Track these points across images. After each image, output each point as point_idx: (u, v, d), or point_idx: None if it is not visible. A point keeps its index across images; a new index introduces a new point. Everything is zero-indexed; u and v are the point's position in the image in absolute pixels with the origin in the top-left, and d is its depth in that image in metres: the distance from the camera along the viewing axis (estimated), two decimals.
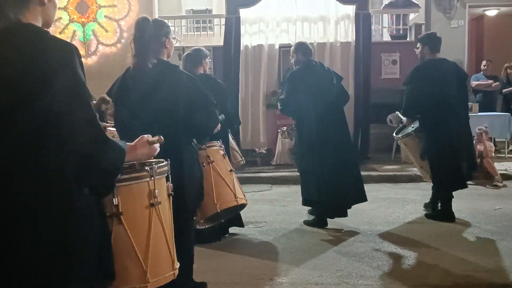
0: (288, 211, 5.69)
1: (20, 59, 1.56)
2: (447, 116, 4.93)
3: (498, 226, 4.84)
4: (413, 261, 3.90)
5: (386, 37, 10.47)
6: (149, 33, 2.77)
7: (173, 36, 2.97)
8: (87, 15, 10.99)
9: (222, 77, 8.36)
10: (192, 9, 12.87)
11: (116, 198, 1.99)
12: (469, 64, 10.77)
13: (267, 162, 8.84)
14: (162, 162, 2.21)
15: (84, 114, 1.64)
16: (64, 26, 11.03)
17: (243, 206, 3.92)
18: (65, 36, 11.03)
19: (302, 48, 5.15)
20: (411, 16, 10.20)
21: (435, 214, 5.17)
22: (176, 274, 2.22)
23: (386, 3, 10.22)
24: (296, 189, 6.69)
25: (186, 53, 4.59)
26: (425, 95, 4.96)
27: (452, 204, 5.03)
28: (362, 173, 7.71)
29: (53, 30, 11.02)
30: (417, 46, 5.38)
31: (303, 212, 5.32)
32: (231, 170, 3.77)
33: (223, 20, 9.80)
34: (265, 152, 9.07)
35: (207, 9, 12.70)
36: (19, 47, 1.58)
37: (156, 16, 10.95)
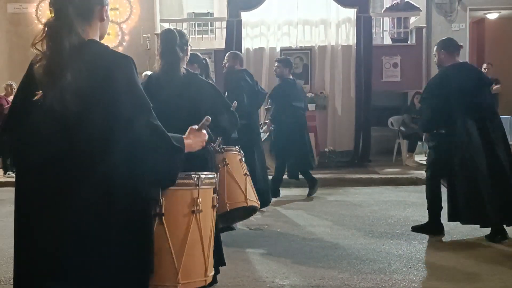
0: (289, 214, 5.70)
1: (90, 71, 1.77)
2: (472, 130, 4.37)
3: None
4: (415, 263, 3.90)
5: (387, 40, 10.48)
6: (177, 44, 2.97)
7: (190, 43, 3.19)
8: None
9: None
10: (193, 12, 12.89)
11: (161, 199, 2.14)
12: None
13: None
14: (212, 174, 2.40)
15: (144, 118, 1.83)
16: None
17: (254, 208, 3.96)
18: None
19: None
20: (412, 19, 10.21)
21: (422, 226, 4.76)
22: (207, 281, 2.36)
23: (387, 6, 10.25)
24: (298, 192, 6.72)
25: None
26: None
27: None
28: (363, 175, 7.84)
29: None
30: (434, 54, 5.05)
31: (304, 216, 5.32)
32: (245, 174, 3.84)
33: (224, 23, 9.83)
34: None
35: (208, 12, 12.71)
36: (88, 61, 1.79)
37: (158, 20, 10.98)
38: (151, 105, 1.89)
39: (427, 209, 4.70)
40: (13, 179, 7.34)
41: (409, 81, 9.60)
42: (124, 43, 10.97)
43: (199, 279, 2.30)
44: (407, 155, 8.91)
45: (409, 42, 9.95)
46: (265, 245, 4.51)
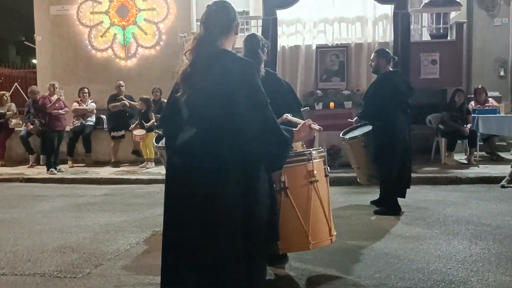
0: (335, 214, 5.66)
1: (220, 75, 2.26)
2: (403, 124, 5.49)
3: None
4: (454, 264, 3.82)
5: (426, 37, 10.26)
6: (260, 47, 3.62)
7: None
8: (127, 18, 11.25)
9: None
10: None
11: (283, 176, 2.61)
12: None
13: None
14: (320, 149, 2.89)
15: (261, 114, 2.26)
16: (105, 30, 11.34)
17: None
18: (106, 40, 11.35)
19: None
20: (452, 14, 9.96)
21: (383, 210, 5.54)
22: (333, 240, 2.89)
23: (426, 1, 10.02)
24: (335, 190, 6.67)
25: None
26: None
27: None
28: None
29: (94, 34, 11.40)
30: (371, 59, 5.79)
31: (340, 214, 5.27)
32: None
33: (260, 22, 9.84)
34: None
35: (244, 11, 12.77)
36: (220, 67, 2.28)
37: (194, 19, 11.12)
38: (269, 100, 2.32)
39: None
40: (56, 176, 7.60)
41: (449, 78, 9.38)
42: (161, 43, 11.15)
43: (326, 238, 2.80)
44: (446, 154, 8.71)
45: (448, 38, 9.71)
46: None
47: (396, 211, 5.48)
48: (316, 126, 2.64)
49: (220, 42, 2.40)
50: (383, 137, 5.36)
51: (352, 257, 4.05)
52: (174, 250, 2.41)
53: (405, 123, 5.55)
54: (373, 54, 5.83)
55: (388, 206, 5.54)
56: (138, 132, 9.24)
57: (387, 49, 6.15)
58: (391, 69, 5.65)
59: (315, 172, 2.70)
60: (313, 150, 2.81)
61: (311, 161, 2.72)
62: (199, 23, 9.62)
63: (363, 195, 6.63)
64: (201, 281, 2.30)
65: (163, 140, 5.72)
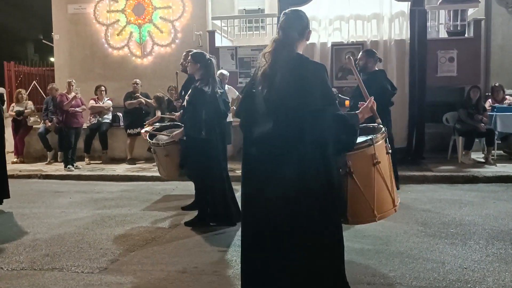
0: None
1: (293, 75, 2.61)
2: None
3: None
4: (470, 264, 3.79)
5: (443, 34, 10.15)
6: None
7: None
8: (143, 16, 11.33)
9: None
10: (244, 9, 12.99)
11: (349, 162, 2.92)
12: None
13: None
14: (382, 129, 3.12)
15: (331, 109, 2.65)
16: (121, 28, 11.43)
17: None
18: (122, 38, 11.44)
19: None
20: (470, 11, 9.84)
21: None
22: (397, 209, 3.16)
23: None
24: None
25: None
26: None
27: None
28: (416, 173, 7.65)
29: (111, 32, 11.50)
30: (359, 59, 5.89)
31: None
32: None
33: (275, 19, 9.85)
34: None
35: (259, 8, 12.78)
36: (293, 68, 2.64)
37: (210, 17, 11.15)
38: (337, 99, 2.76)
39: None
40: (73, 173, 7.67)
41: (466, 76, 9.27)
42: (177, 41, 11.21)
43: (390, 209, 3.11)
44: (463, 153, 8.62)
45: (466, 35, 9.59)
46: None
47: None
48: (372, 103, 3.01)
49: (295, 46, 2.74)
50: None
51: (366, 256, 4.04)
52: (257, 239, 2.68)
53: (390, 121, 5.79)
54: (361, 53, 6.04)
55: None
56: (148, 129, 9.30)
57: (374, 50, 6.53)
58: (377, 69, 5.91)
59: (377, 154, 2.99)
60: (373, 136, 3.04)
61: (372, 145, 2.99)
62: (213, 21, 9.57)
63: None
64: (293, 266, 2.61)
65: (158, 136, 5.84)
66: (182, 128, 5.36)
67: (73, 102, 9.21)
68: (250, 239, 2.74)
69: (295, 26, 2.75)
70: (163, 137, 5.80)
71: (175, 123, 6.07)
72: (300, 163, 2.59)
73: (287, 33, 2.73)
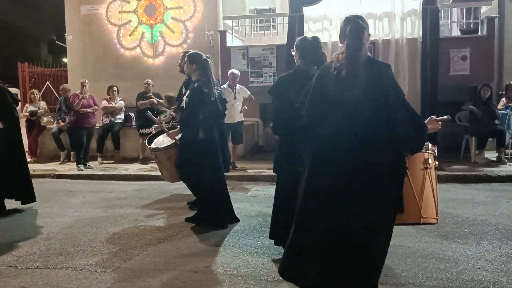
0: None
1: (378, 78, 2.89)
2: None
3: None
4: (484, 264, 3.76)
5: (456, 32, 10.07)
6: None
7: None
8: (155, 17, 11.40)
9: None
10: (255, 9, 13.00)
11: (406, 160, 3.06)
12: None
13: None
14: (433, 146, 3.48)
15: (405, 105, 2.92)
16: (133, 29, 11.52)
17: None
18: (134, 38, 11.52)
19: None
20: (483, 9, 9.75)
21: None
22: (438, 221, 3.47)
23: None
24: None
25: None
26: None
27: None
28: None
29: (123, 33, 11.57)
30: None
31: None
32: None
33: (286, 19, 9.84)
34: None
35: (270, 8, 12.78)
36: (376, 70, 2.92)
37: (221, 17, 11.17)
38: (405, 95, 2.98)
39: None
40: (86, 173, 7.72)
41: (479, 75, 9.19)
42: (188, 41, 11.26)
43: (433, 217, 3.34)
44: (477, 152, 8.55)
45: (479, 33, 9.51)
46: None
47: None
48: (444, 117, 3.31)
49: (365, 48, 3.01)
50: None
51: None
52: (320, 227, 2.95)
53: None
54: None
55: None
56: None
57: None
58: None
59: (429, 160, 3.26)
60: (428, 144, 3.34)
61: (427, 151, 3.28)
62: (224, 21, 9.67)
63: None
64: (356, 248, 2.90)
65: (156, 141, 5.66)
66: (178, 128, 5.33)
67: (83, 102, 9.29)
68: (312, 226, 3.01)
69: (364, 31, 3.03)
70: (161, 140, 5.69)
71: (173, 125, 6.04)
72: (375, 155, 2.86)
73: (359, 37, 3.01)
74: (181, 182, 5.63)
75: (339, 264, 2.93)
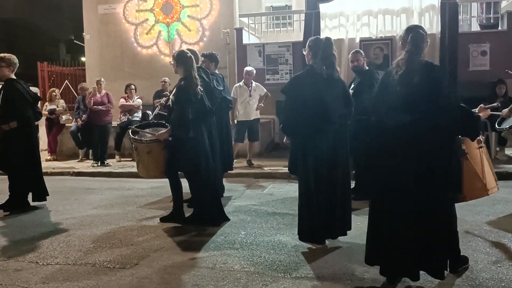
0: None
1: (433, 80, 3.28)
2: None
3: None
4: (505, 263, 3.70)
5: (475, 27, 9.92)
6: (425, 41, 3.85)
7: None
8: (172, 15, 11.45)
9: None
10: (271, 6, 12.98)
11: (463, 145, 3.53)
12: None
13: None
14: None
15: (456, 102, 3.30)
16: (150, 27, 11.59)
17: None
18: (151, 37, 11.59)
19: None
20: (503, 3, 9.59)
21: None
22: (497, 189, 3.82)
23: None
24: None
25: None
26: None
27: None
28: None
29: (140, 31, 11.64)
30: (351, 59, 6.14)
31: None
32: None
33: (302, 16, 9.80)
34: None
35: (286, 5, 12.75)
36: (433, 73, 3.32)
37: (237, 15, 11.18)
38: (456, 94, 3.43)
39: None
40: (104, 170, 7.75)
41: (499, 70, 9.02)
42: (205, 39, 11.29)
43: (494, 186, 3.75)
44: (498, 149, 8.41)
45: (499, 28, 9.34)
46: (346, 238, 4.47)
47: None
48: (494, 104, 3.78)
49: (422, 54, 3.39)
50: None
51: None
52: (395, 209, 3.28)
53: None
54: (351, 54, 6.25)
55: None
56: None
57: (359, 50, 6.79)
58: (368, 68, 6.21)
59: (480, 139, 3.64)
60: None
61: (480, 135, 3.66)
62: (240, 18, 9.71)
63: None
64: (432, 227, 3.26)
65: (141, 133, 5.52)
66: (168, 128, 5.16)
67: (97, 99, 9.42)
68: (387, 210, 3.34)
69: (424, 39, 3.42)
70: (146, 134, 5.52)
71: (160, 121, 5.95)
72: (437, 144, 3.25)
73: (419, 45, 3.39)
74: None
75: (417, 241, 3.26)
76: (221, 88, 6.35)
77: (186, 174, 5.21)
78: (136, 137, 5.44)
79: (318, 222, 4.17)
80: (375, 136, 3.47)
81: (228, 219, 5.21)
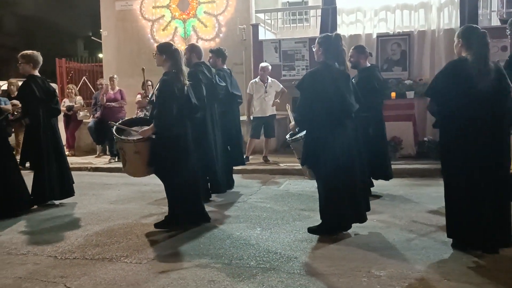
0: (387, 205, 5.56)
1: (501, 77, 3.86)
2: None
3: None
4: None
5: (495, 22, 9.74)
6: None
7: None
8: (188, 11, 11.47)
9: None
10: (288, 1, 12.93)
11: None
12: None
13: None
14: None
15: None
16: (166, 24, 11.62)
17: None
18: (167, 33, 11.63)
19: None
20: None
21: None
22: None
23: None
24: (395, 182, 6.52)
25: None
26: None
27: None
28: None
29: (156, 28, 11.68)
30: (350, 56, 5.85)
31: (402, 206, 5.14)
32: None
33: (319, 11, 9.74)
34: None
35: (303, 1, 12.69)
36: (499, 69, 3.90)
37: (253, 10, 11.15)
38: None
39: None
40: (119, 166, 7.56)
41: None
42: (221, 35, 11.29)
43: None
44: None
45: None
46: (362, 235, 4.45)
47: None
48: None
49: (489, 54, 3.90)
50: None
51: (413, 250, 3.96)
52: (471, 187, 3.77)
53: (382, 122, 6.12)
54: (351, 50, 6.05)
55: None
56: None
57: (363, 45, 6.62)
58: (369, 64, 6.06)
59: None
60: None
61: None
62: (256, 14, 9.65)
63: (425, 187, 6.45)
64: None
65: (126, 131, 4.99)
66: (152, 125, 4.74)
67: (109, 96, 9.52)
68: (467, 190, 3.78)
69: (487, 39, 3.88)
70: (132, 133, 5.02)
71: (144, 117, 5.83)
72: (502, 132, 3.80)
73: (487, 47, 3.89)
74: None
75: (492, 213, 3.71)
76: (224, 84, 6.32)
77: (161, 171, 4.90)
78: (122, 137, 4.93)
79: (346, 209, 4.35)
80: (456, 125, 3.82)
81: (209, 220, 4.99)
